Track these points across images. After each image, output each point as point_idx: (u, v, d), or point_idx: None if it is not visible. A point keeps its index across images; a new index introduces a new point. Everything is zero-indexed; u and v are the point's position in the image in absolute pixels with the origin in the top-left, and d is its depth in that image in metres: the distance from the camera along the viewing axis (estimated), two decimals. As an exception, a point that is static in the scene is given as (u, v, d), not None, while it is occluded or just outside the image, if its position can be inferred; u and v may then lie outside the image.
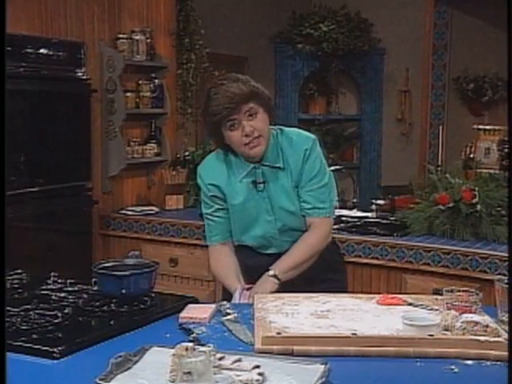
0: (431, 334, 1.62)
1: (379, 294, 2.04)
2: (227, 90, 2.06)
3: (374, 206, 3.83)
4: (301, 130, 2.29)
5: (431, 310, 1.86)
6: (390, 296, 1.96)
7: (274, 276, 2.17)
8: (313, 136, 2.26)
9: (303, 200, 2.21)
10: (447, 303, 1.79)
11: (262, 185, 2.20)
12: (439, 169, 3.75)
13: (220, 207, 2.26)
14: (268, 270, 2.18)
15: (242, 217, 2.23)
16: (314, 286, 2.13)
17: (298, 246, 2.23)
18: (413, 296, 2.01)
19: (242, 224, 2.24)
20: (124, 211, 4.13)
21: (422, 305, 1.90)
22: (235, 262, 2.28)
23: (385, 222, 3.62)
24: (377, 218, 3.72)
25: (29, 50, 3.57)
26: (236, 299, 2.14)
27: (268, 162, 2.19)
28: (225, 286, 2.28)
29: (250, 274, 2.24)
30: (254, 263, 2.24)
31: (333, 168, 4.10)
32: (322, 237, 2.25)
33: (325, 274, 2.26)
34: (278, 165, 2.19)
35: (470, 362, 1.56)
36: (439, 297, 1.93)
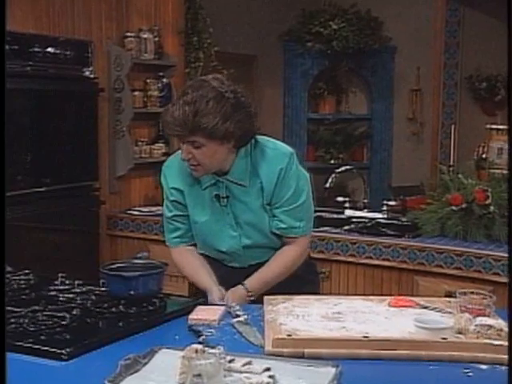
0: (444, 337, 1.62)
1: (391, 296, 2.03)
2: (175, 111, 1.95)
3: (384, 207, 3.82)
4: (278, 143, 2.16)
5: (444, 312, 1.85)
6: (402, 298, 1.95)
7: (246, 289, 2.13)
8: (290, 150, 2.14)
9: (279, 219, 2.13)
10: (460, 306, 1.79)
11: (225, 199, 2.11)
12: (451, 169, 3.74)
13: (181, 213, 2.18)
14: (242, 284, 2.14)
15: (204, 230, 2.16)
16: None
17: (274, 261, 2.17)
18: (425, 298, 2.00)
19: (205, 238, 2.18)
20: (131, 211, 4.14)
21: (434, 307, 1.89)
22: (201, 258, 2.21)
23: (396, 222, 3.61)
24: (388, 218, 3.71)
25: (36, 49, 3.59)
26: (215, 300, 2.08)
27: (233, 178, 2.09)
28: (197, 284, 2.20)
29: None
30: (216, 274, 2.18)
31: (343, 168, 4.13)
32: (299, 254, 2.20)
33: (294, 289, 2.14)
34: (242, 182, 2.09)
35: (484, 367, 1.55)
36: (452, 299, 1.93)
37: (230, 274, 2.19)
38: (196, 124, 1.94)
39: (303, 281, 2.23)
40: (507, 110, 1.57)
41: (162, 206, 2.27)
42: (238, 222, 2.13)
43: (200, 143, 1.98)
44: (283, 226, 2.14)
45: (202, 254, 2.25)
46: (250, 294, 2.13)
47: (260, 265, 2.19)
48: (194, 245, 2.24)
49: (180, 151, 2.08)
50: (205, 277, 2.17)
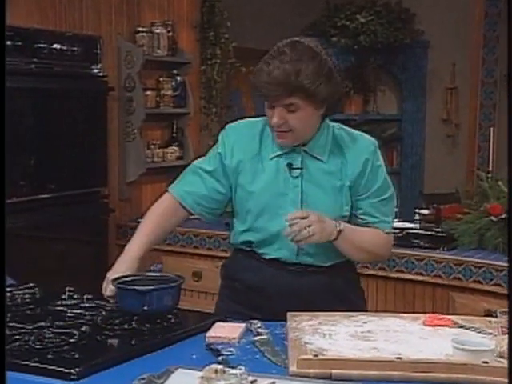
0: (485, 360, 1.61)
1: (424, 313, 2.03)
2: (272, 71, 1.94)
3: (417, 216, 3.81)
4: (360, 132, 2.19)
5: (484, 333, 1.84)
6: (438, 316, 1.95)
7: (338, 231, 2.03)
8: (374, 140, 2.18)
9: (364, 212, 2.12)
10: (502, 327, 1.77)
11: (298, 171, 2.08)
12: (490, 175, 3.72)
13: (218, 179, 2.13)
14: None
15: (261, 201, 2.08)
16: (332, 305, 2.03)
17: (367, 230, 2.12)
18: (462, 317, 1.99)
19: (257, 211, 2.09)
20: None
21: (473, 327, 1.88)
22: (170, 226, 2.20)
23: (430, 233, 3.60)
24: (420, 229, 3.70)
25: (41, 45, 3.63)
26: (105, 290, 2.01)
27: (311, 150, 2.08)
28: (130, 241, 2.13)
29: (245, 292, 2.12)
30: (257, 274, 2.11)
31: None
32: (389, 245, 2.19)
33: (337, 307, 2.05)
34: (321, 157, 2.09)
35: (528, 393, 1.54)
36: (493, 319, 1.92)
37: (271, 270, 2.11)
38: (299, 83, 1.94)
39: (351, 304, 2.15)
40: (507, 110, 1.58)
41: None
42: (302, 201, 2.08)
43: (297, 106, 1.98)
44: (371, 219, 2.12)
45: (237, 251, 2.19)
46: (339, 228, 2.03)
47: (313, 268, 2.10)
48: (190, 214, 2.18)
49: (247, 120, 2.15)
50: (139, 240, 2.13)
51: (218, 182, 2.14)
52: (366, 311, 2.18)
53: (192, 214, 2.20)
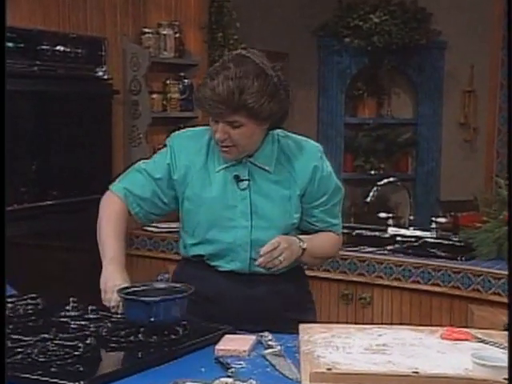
0: (506, 377, 1.61)
1: (442, 326, 2.03)
2: (216, 86, 1.99)
3: (433, 224, 3.82)
4: (303, 137, 2.27)
5: (505, 348, 1.84)
6: (457, 330, 1.95)
7: (303, 249, 2.17)
8: (319, 145, 2.26)
9: (317, 219, 2.24)
10: (523, 342, 1.77)
11: (245, 182, 2.15)
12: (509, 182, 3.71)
13: (162, 189, 2.19)
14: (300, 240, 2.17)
15: (209, 216, 2.16)
16: (279, 326, 2.07)
17: (320, 234, 2.26)
18: (482, 331, 1.99)
19: (207, 224, 2.16)
20: (149, 228, 4.17)
21: (493, 342, 1.88)
22: (123, 226, 2.21)
23: (447, 242, 3.60)
24: (437, 238, 3.71)
25: (44, 47, 3.66)
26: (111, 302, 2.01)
27: (257, 162, 2.16)
28: (103, 248, 2.16)
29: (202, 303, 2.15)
30: (208, 285, 2.17)
31: (385, 180, 4.13)
32: (339, 244, 2.35)
33: (292, 314, 2.21)
34: (268, 168, 2.16)
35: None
36: (513, 333, 1.91)
37: (225, 281, 2.18)
38: (241, 102, 2.00)
39: (303, 309, 2.29)
40: (507, 110, 1.58)
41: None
42: (252, 211, 2.16)
43: (240, 123, 2.04)
44: (322, 225, 2.26)
45: (188, 260, 2.24)
46: (301, 244, 2.16)
47: (266, 276, 2.17)
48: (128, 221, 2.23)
49: (193, 130, 2.24)
50: (117, 246, 2.15)
51: (162, 191, 2.21)
52: (315, 314, 2.34)
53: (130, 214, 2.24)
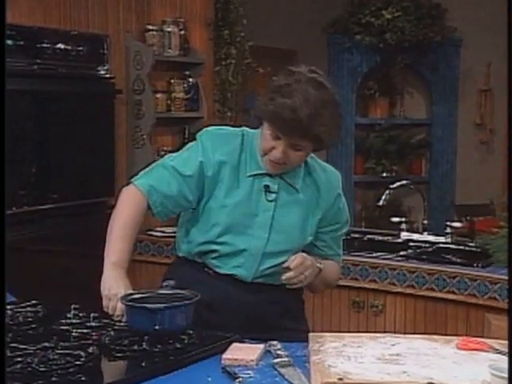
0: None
1: (457, 336, 2.03)
2: (297, 109, 2.01)
3: (448, 229, 3.81)
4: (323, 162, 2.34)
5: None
6: (473, 340, 1.95)
7: (320, 269, 2.21)
8: (339, 173, 2.35)
9: (327, 245, 2.31)
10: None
11: (273, 195, 2.19)
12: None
13: (189, 189, 2.17)
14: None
15: (229, 219, 2.17)
16: (274, 334, 2.11)
17: (332, 266, 2.33)
18: (499, 341, 1.98)
19: (225, 227, 2.17)
20: (152, 232, 4.18)
21: (511, 352, 1.88)
22: (139, 226, 2.19)
23: (462, 248, 3.59)
24: (452, 243, 3.70)
25: (44, 45, 3.67)
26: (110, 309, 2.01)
27: (286, 177, 2.21)
28: (108, 246, 2.14)
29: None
30: (204, 291, 2.11)
31: (398, 183, 4.12)
32: (339, 276, 2.46)
33: (289, 323, 2.28)
34: (296, 186, 2.22)
35: None
36: (532, 343, 1.91)
37: (223, 285, 2.20)
38: (316, 131, 2.05)
39: (298, 318, 2.35)
40: (507, 110, 1.59)
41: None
42: (272, 225, 2.19)
43: (302, 147, 2.10)
44: (329, 251, 2.32)
45: (187, 261, 2.24)
46: (318, 264, 2.19)
47: (266, 285, 2.22)
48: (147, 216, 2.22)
49: (227, 130, 2.25)
50: (124, 249, 2.13)
51: (190, 189, 2.18)
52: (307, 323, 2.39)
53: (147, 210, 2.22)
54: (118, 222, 2.18)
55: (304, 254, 2.16)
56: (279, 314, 2.27)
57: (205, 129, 2.28)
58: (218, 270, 2.22)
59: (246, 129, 2.26)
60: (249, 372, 1.78)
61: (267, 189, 2.19)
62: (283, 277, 2.12)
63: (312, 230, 2.25)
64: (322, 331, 2.09)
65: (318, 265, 2.20)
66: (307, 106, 2.01)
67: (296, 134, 2.05)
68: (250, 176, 2.19)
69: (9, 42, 3.43)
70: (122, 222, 2.18)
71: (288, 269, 2.10)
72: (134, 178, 2.24)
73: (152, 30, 4.31)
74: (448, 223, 3.86)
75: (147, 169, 2.26)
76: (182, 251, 2.29)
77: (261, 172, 2.18)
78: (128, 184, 2.25)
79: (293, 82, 2.06)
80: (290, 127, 2.03)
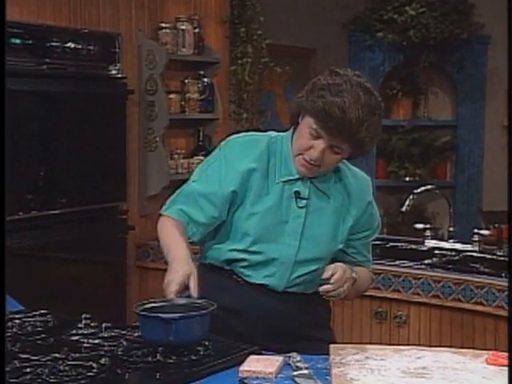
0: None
1: (486, 349, 2.02)
2: (347, 110, 2.02)
3: (475, 237, 3.80)
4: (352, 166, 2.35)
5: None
6: (503, 355, 1.94)
7: (354, 280, 2.21)
8: (369, 178, 2.36)
9: (358, 251, 2.32)
10: None
11: (304, 201, 2.20)
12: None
13: (214, 207, 2.18)
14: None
15: (259, 227, 2.19)
16: (300, 344, 2.14)
17: (365, 273, 2.34)
18: (531, 356, 1.98)
19: (254, 236, 2.19)
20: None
21: (544, 367, 1.88)
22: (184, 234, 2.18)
23: (490, 257, 3.58)
24: (480, 252, 3.69)
25: (53, 44, 3.68)
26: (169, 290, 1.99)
27: (317, 183, 2.22)
28: (168, 251, 2.13)
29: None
30: (231, 299, 2.17)
31: (422, 188, 4.11)
32: (371, 281, 2.46)
33: (314, 333, 2.29)
34: (327, 192, 2.23)
35: None
36: None
37: (255, 294, 2.20)
38: (361, 135, 2.07)
39: (326, 328, 2.37)
40: (507, 111, 1.59)
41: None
42: (303, 233, 2.20)
43: (341, 150, 2.11)
44: (360, 258, 2.34)
45: (213, 267, 2.24)
46: (353, 274, 2.19)
47: (297, 295, 2.23)
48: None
49: (251, 136, 2.26)
50: (182, 247, 2.11)
51: (217, 207, 2.19)
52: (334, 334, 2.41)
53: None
54: (165, 235, 2.20)
55: (343, 266, 2.15)
56: (307, 323, 2.28)
57: (227, 139, 2.28)
58: (248, 279, 2.22)
59: (273, 132, 2.27)
60: (267, 385, 1.79)
61: (297, 195, 2.19)
62: (321, 288, 2.12)
63: (343, 237, 2.26)
64: (343, 343, 2.09)
65: (354, 275, 2.20)
66: (357, 108, 2.03)
67: (341, 135, 2.06)
68: (279, 182, 2.20)
69: (17, 40, 3.46)
70: (171, 233, 2.18)
71: (326, 279, 2.11)
72: (162, 209, 2.26)
73: (165, 28, 4.32)
74: (475, 230, 3.85)
75: (173, 196, 2.28)
76: (208, 258, 2.30)
77: (291, 178, 2.19)
78: (159, 216, 2.26)
79: (342, 82, 2.07)
80: (337, 126, 2.04)
